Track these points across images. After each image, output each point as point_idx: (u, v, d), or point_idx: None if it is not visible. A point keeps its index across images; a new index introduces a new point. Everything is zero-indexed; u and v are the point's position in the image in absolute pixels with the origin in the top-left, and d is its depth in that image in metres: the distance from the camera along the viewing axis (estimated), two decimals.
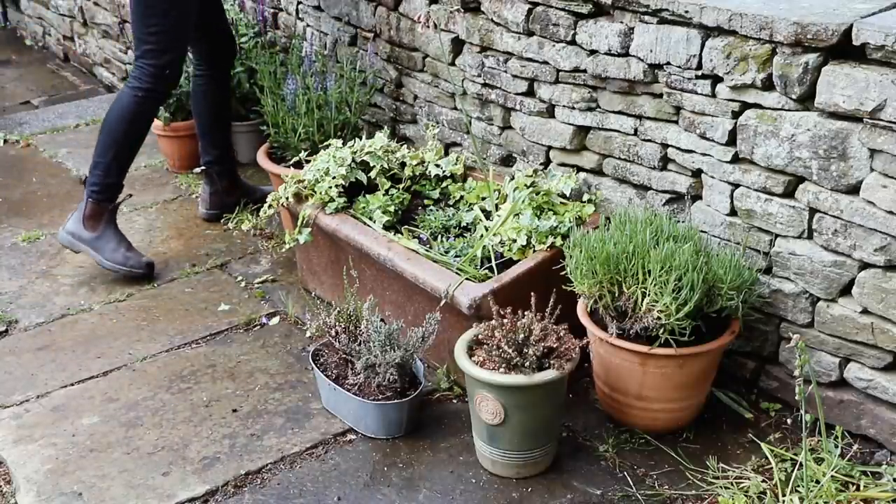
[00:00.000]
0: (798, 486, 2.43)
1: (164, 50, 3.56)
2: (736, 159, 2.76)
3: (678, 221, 2.89)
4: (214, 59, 4.00)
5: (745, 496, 2.49)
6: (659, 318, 2.56)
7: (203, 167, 4.19)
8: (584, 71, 3.10)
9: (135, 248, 3.77)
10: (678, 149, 2.92)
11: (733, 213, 2.83)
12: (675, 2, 2.74)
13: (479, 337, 2.65)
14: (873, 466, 2.58)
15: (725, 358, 2.86)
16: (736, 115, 2.72)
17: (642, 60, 2.90)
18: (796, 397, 2.18)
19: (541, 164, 3.40)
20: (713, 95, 2.76)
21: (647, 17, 2.86)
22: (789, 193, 2.66)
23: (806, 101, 2.55)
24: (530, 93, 3.34)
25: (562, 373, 2.54)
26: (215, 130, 4.16)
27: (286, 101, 3.87)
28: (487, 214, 3.25)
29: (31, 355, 3.31)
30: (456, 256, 3.06)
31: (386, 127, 4.02)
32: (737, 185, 2.78)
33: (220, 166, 4.18)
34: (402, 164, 3.49)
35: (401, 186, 3.46)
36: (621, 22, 2.95)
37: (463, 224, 3.29)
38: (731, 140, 2.75)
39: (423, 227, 3.28)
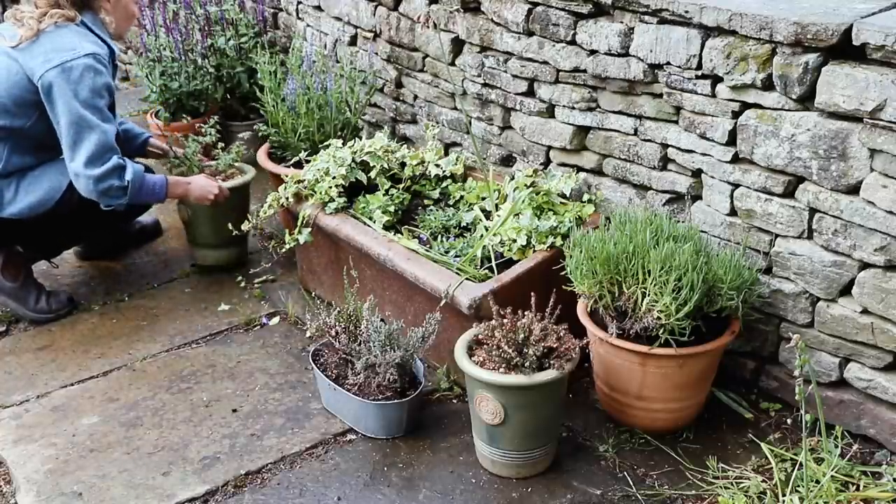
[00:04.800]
0: (798, 486, 2.43)
1: None
2: (736, 159, 2.76)
3: (678, 221, 2.89)
4: None
5: (745, 496, 2.49)
6: (659, 318, 2.56)
7: None
8: (584, 71, 3.10)
9: (48, 289, 3.58)
10: (678, 149, 2.92)
11: (733, 213, 2.83)
12: (675, 2, 2.74)
13: (479, 337, 2.65)
14: (873, 466, 2.57)
15: (725, 358, 2.86)
16: (736, 115, 2.72)
17: (642, 60, 2.90)
18: (796, 397, 2.18)
19: (541, 164, 3.40)
20: (713, 95, 2.76)
21: (647, 17, 2.86)
22: (789, 193, 2.66)
23: (806, 101, 2.55)
24: (530, 93, 3.34)
25: (562, 373, 2.54)
26: None
27: (286, 101, 3.87)
28: (487, 214, 3.25)
29: (31, 355, 3.31)
30: (456, 256, 3.06)
31: (386, 127, 4.03)
32: (737, 185, 2.78)
33: None
34: (402, 164, 3.49)
35: (401, 186, 3.46)
36: (621, 22, 2.95)
37: (463, 224, 3.29)
38: (731, 140, 2.75)
39: (423, 227, 3.28)
